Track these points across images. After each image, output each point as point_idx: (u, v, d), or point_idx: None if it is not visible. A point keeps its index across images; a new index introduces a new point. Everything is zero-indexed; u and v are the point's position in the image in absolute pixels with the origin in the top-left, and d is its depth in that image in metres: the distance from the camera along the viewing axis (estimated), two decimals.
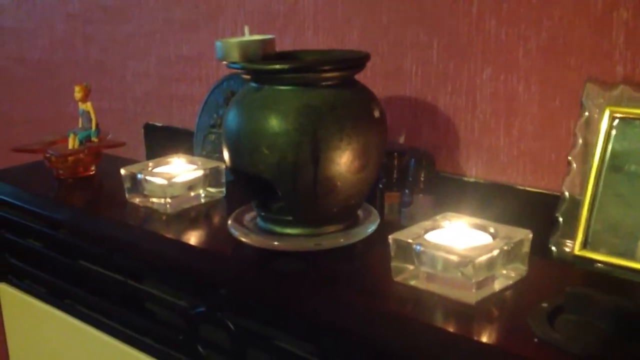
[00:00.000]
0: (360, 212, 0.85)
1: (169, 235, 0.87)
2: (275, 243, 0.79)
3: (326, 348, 0.72)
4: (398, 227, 0.75)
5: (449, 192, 0.90)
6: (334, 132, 0.74)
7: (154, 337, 0.89)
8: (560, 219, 0.80)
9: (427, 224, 0.75)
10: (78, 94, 1.08)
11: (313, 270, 0.77)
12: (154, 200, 0.94)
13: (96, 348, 0.98)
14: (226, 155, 0.80)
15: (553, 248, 0.80)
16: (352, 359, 0.70)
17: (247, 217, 0.85)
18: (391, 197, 0.92)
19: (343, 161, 0.75)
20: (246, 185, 0.81)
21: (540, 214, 0.81)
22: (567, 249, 0.79)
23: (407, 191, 0.91)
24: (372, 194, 0.89)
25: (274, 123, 0.74)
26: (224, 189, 0.97)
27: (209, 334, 0.83)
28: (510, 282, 0.71)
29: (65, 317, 1.01)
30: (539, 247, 0.75)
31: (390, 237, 0.72)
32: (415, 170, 0.90)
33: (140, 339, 0.91)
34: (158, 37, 1.27)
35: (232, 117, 0.78)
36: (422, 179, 0.90)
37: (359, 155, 0.76)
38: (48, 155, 1.06)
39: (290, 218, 0.79)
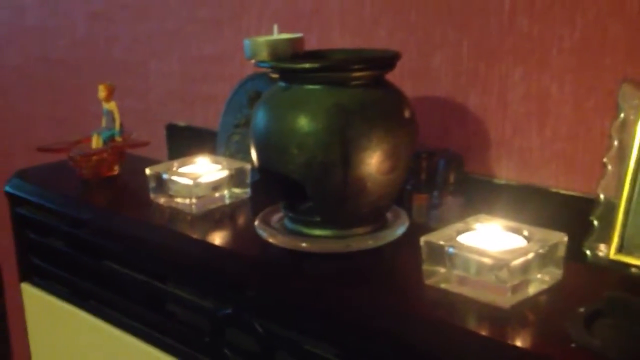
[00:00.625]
0: (389, 214, 0.83)
1: (195, 236, 0.86)
2: (303, 244, 0.78)
3: (355, 351, 0.70)
4: (428, 229, 0.74)
5: (478, 195, 0.88)
6: (363, 132, 0.73)
7: (179, 339, 0.88)
8: (595, 223, 0.78)
9: (459, 226, 0.73)
10: (102, 93, 1.07)
11: (341, 273, 0.75)
12: (179, 200, 0.93)
13: (120, 349, 0.97)
14: (254, 155, 0.79)
15: (587, 252, 0.78)
16: None
17: (274, 218, 0.84)
18: (419, 199, 0.91)
19: (373, 162, 0.74)
20: (274, 185, 0.80)
21: (574, 217, 0.79)
22: (602, 254, 0.77)
23: (436, 193, 0.89)
24: (400, 196, 0.87)
25: (303, 123, 0.73)
26: (248, 190, 0.96)
27: (235, 336, 0.81)
28: (545, 286, 0.69)
29: (88, 318, 1.01)
30: (573, 252, 0.74)
31: (422, 239, 0.70)
32: (444, 171, 0.89)
33: (165, 341, 0.90)
34: (181, 36, 1.26)
35: (260, 117, 0.77)
36: (451, 180, 0.88)
37: (389, 155, 0.75)
38: (72, 155, 1.05)
39: (318, 219, 0.78)
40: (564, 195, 0.84)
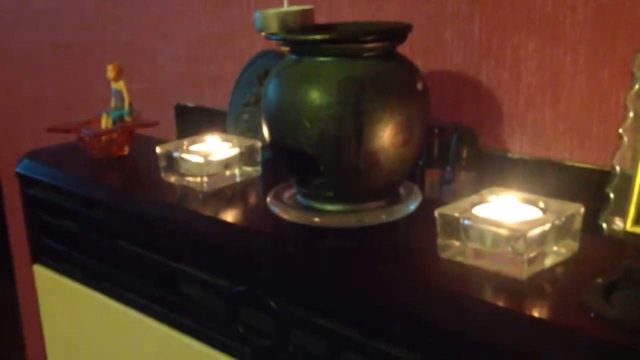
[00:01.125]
0: (401, 189, 0.82)
1: (207, 213, 0.85)
2: (316, 219, 0.77)
3: (370, 326, 0.70)
4: (441, 204, 0.73)
5: (492, 169, 0.87)
6: (376, 105, 0.72)
7: (193, 318, 0.88)
8: (611, 195, 0.77)
9: (473, 198, 0.72)
10: (111, 72, 1.06)
11: (355, 247, 0.75)
12: (190, 179, 0.92)
13: (133, 329, 0.97)
14: (265, 130, 0.79)
15: (603, 225, 0.77)
16: (398, 336, 0.68)
17: (287, 194, 0.83)
18: (432, 174, 0.90)
19: (386, 134, 0.73)
20: (286, 160, 0.80)
21: (590, 190, 0.79)
22: (618, 226, 0.76)
23: (448, 168, 0.88)
24: (412, 172, 0.86)
25: (315, 95, 0.72)
26: (259, 168, 0.95)
27: (249, 313, 0.81)
28: (562, 258, 0.68)
29: (101, 298, 1.00)
30: (589, 225, 0.73)
31: (437, 212, 0.69)
32: (457, 147, 0.88)
33: (179, 320, 0.90)
34: (188, 15, 1.25)
35: (271, 90, 0.76)
36: (464, 156, 0.88)
37: (402, 128, 0.74)
38: (82, 135, 1.05)
39: (331, 194, 0.77)
40: (578, 168, 0.83)
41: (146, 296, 0.94)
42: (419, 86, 0.76)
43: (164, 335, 0.92)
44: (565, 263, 0.68)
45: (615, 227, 0.76)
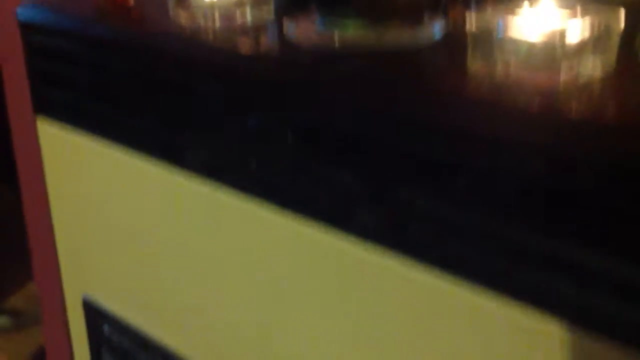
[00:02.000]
0: (426, 17, 0.78)
1: (220, 45, 0.81)
2: (336, 40, 0.74)
3: (387, 144, 0.67)
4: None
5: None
6: None
7: (208, 157, 0.85)
8: None
9: (506, 8, 0.68)
10: None
11: (378, 68, 0.71)
12: (201, 18, 0.88)
13: (144, 178, 0.94)
14: None
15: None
16: (426, 154, 0.65)
17: (305, 21, 0.79)
18: (456, 12, 0.85)
19: None
20: None
21: (626, 19, 0.74)
22: None
23: (473, 4, 0.84)
24: (436, 10, 0.82)
25: None
26: (272, 11, 0.91)
27: (264, 149, 0.78)
28: (599, 73, 0.65)
29: (111, 152, 0.97)
30: (625, 53, 0.69)
31: (467, 22, 0.66)
32: None
33: (193, 162, 0.87)
34: None
35: None
36: None
37: None
38: None
39: (353, 12, 0.73)
40: None
41: (157, 139, 0.91)
42: None
43: (175, 181, 0.89)
44: (602, 79, 0.65)
45: None
